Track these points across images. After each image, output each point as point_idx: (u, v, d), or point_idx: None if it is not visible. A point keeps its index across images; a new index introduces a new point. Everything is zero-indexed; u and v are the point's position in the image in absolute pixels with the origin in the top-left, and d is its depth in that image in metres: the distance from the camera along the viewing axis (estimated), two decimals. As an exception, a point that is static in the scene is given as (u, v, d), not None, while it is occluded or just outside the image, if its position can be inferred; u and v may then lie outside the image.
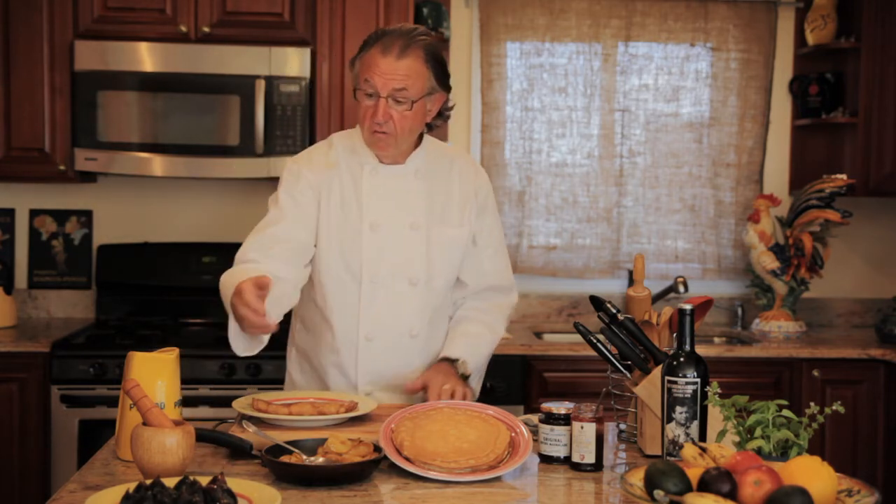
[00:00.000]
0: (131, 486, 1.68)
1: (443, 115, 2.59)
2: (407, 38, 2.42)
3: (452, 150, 2.71)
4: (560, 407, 2.16)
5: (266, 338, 2.34)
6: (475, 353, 2.61)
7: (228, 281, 2.29)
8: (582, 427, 2.09)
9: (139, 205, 4.41)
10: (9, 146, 4.02)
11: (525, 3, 4.47)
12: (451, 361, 2.55)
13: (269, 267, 2.37)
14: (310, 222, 2.51)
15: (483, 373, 2.74)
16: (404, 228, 2.55)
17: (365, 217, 2.53)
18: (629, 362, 2.30)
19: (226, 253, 4.29)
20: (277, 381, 3.52)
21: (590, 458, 2.09)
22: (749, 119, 4.55)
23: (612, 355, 2.32)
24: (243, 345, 2.35)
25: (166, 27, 4.04)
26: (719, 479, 1.63)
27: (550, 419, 2.16)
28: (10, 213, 4.39)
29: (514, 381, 3.85)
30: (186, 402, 2.31)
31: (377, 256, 2.53)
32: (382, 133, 2.45)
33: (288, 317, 2.57)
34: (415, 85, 2.43)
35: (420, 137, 2.60)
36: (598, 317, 2.32)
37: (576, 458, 2.11)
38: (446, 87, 2.53)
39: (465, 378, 2.55)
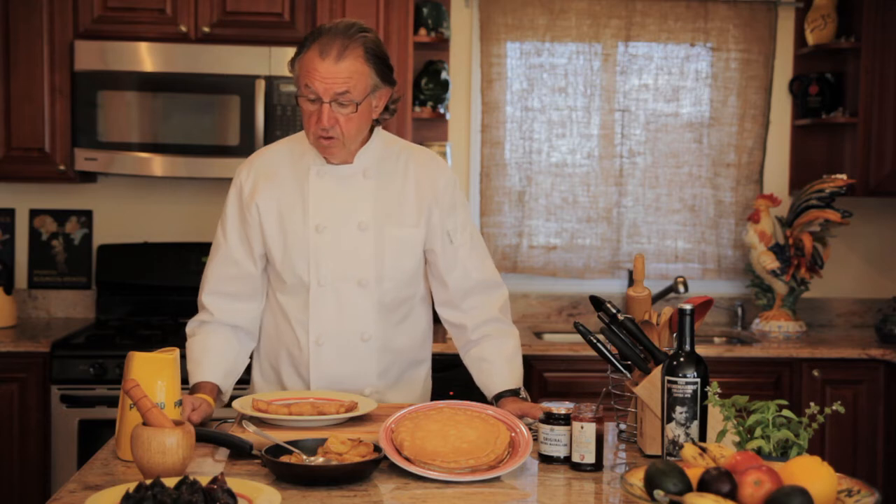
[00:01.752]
0: (131, 486, 1.69)
1: (389, 109, 2.49)
2: (344, 38, 2.33)
3: (408, 147, 2.59)
4: (560, 407, 2.16)
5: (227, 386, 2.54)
6: (519, 371, 2.57)
7: (194, 358, 2.51)
8: (582, 427, 2.09)
9: (139, 205, 4.41)
10: (9, 146, 4.02)
11: (525, 3, 4.47)
12: (514, 393, 2.50)
13: (228, 320, 2.54)
14: (256, 246, 2.53)
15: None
16: (352, 229, 2.48)
17: (311, 220, 2.47)
18: (629, 362, 2.30)
19: (226, 253, 4.31)
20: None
21: (590, 458, 2.09)
22: (749, 119, 4.55)
23: (612, 355, 2.31)
24: None
25: (166, 27, 4.04)
26: (719, 479, 1.63)
27: (550, 419, 2.16)
28: (10, 213, 4.39)
29: (514, 381, 3.84)
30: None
31: (323, 259, 2.47)
32: (329, 139, 2.39)
33: None
34: (357, 86, 2.34)
35: (371, 132, 2.52)
36: (598, 317, 2.31)
37: (576, 458, 2.11)
38: (390, 82, 2.44)
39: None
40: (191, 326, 2.58)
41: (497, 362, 2.54)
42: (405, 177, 2.53)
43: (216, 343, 2.52)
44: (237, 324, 2.56)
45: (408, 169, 2.54)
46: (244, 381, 3.15)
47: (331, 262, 2.48)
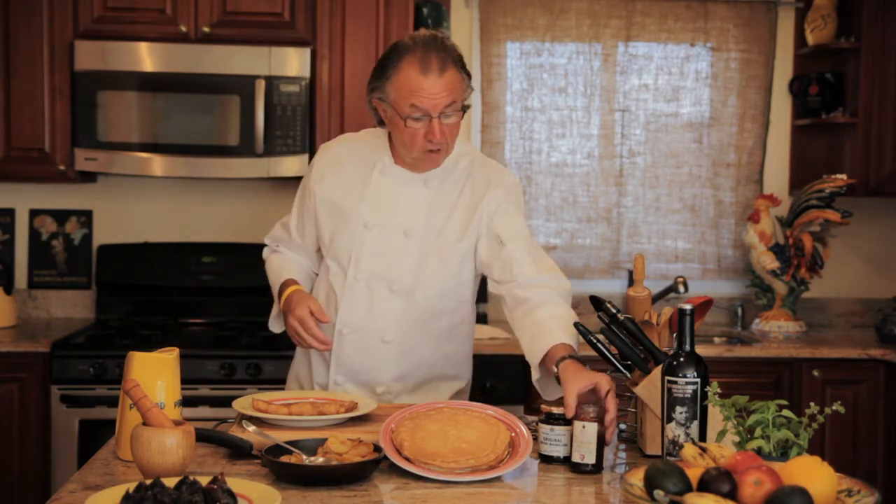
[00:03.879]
0: (131, 486, 1.68)
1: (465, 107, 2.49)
2: (438, 51, 2.36)
3: (475, 160, 2.57)
4: (560, 407, 2.16)
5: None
6: (575, 337, 2.38)
7: (276, 268, 2.69)
8: (584, 427, 2.09)
9: (139, 205, 4.41)
10: (9, 146, 4.02)
11: (525, 3, 4.47)
12: (571, 355, 2.27)
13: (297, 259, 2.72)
14: (308, 228, 2.66)
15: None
16: (397, 233, 2.51)
17: (362, 215, 2.52)
18: (629, 362, 2.30)
19: (226, 253, 4.31)
20: (277, 381, 3.53)
21: (590, 459, 2.09)
22: (749, 119, 4.55)
23: (612, 355, 2.31)
24: (277, 322, 2.68)
25: (166, 27, 4.04)
26: (719, 479, 1.63)
27: (550, 419, 2.16)
28: (10, 213, 4.39)
29: (514, 381, 3.84)
30: (186, 402, 2.31)
31: (364, 255, 2.52)
32: (437, 151, 2.42)
33: None
34: (460, 95, 2.40)
35: None
36: (598, 317, 2.31)
37: (576, 459, 2.10)
38: (470, 85, 2.47)
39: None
40: (265, 253, 2.79)
41: (549, 324, 2.35)
42: (462, 188, 2.53)
43: (291, 258, 2.71)
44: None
45: (467, 182, 2.54)
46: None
47: (370, 261, 2.52)
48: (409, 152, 2.45)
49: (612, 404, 2.13)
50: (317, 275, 2.70)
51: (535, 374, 2.36)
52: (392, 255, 2.51)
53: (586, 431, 2.08)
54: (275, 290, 2.65)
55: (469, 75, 2.46)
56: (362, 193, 2.53)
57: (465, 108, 2.44)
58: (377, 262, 2.52)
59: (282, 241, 2.73)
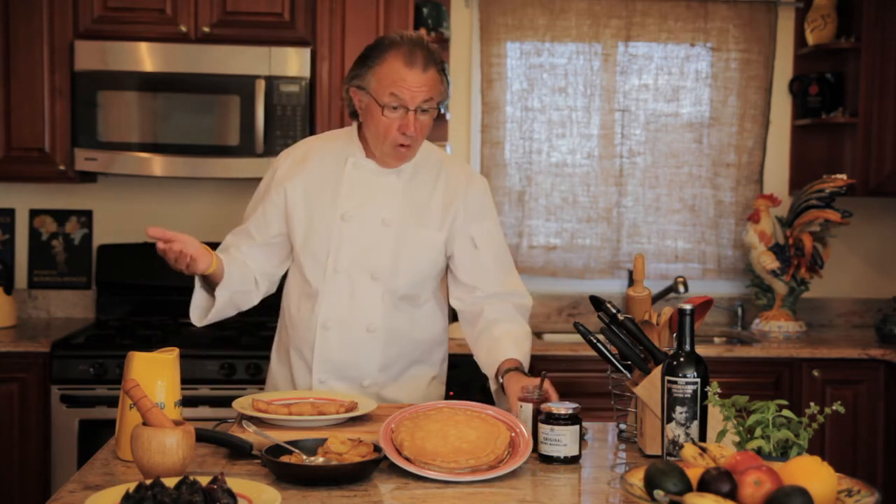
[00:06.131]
0: (131, 486, 1.69)
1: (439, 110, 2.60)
2: (423, 49, 2.45)
3: (444, 157, 2.68)
4: (560, 407, 2.16)
5: (221, 303, 2.52)
6: (528, 355, 2.57)
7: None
8: (521, 406, 2.23)
9: (139, 205, 4.41)
10: (9, 146, 4.02)
11: (525, 3, 4.47)
12: (517, 368, 2.46)
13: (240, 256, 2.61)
14: (274, 227, 2.61)
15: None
16: (375, 223, 2.55)
17: (339, 208, 2.55)
18: (629, 362, 2.30)
19: (226, 253, 4.31)
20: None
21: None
22: (749, 119, 4.55)
23: (612, 355, 2.32)
24: (198, 313, 2.55)
25: (166, 27, 4.04)
26: (719, 479, 1.63)
27: (550, 419, 2.16)
28: (10, 213, 4.39)
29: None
30: (186, 402, 2.31)
31: (344, 247, 2.55)
32: (407, 146, 2.49)
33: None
34: (437, 94, 2.47)
35: None
36: (598, 317, 2.32)
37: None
38: (448, 89, 2.55)
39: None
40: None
41: (505, 340, 2.53)
42: (436, 182, 2.60)
43: (234, 257, 2.59)
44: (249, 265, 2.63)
45: (440, 175, 2.61)
46: (247, 381, 3.18)
47: (350, 252, 2.55)
48: (380, 144, 2.51)
49: (551, 390, 2.32)
50: (257, 281, 2.64)
51: (493, 386, 2.54)
52: (372, 243, 2.55)
53: (523, 410, 2.25)
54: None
55: (448, 82, 2.53)
56: (336, 187, 2.57)
57: (440, 110, 2.52)
58: (357, 251, 2.55)
59: (230, 247, 2.64)
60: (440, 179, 2.61)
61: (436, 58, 2.48)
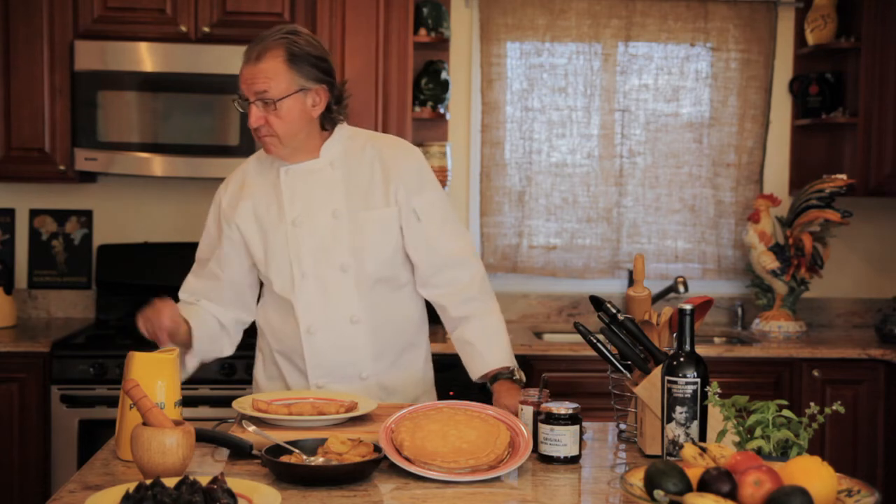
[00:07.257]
0: (131, 486, 1.69)
1: (340, 104, 2.56)
2: (267, 41, 2.45)
3: (373, 136, 2.67)
4: (560, 407, 2.16)
5: (190, 368, 2.60)
6: (507, 348, 2.62)
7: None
8: (521, 409, 2.24)
9: (139, 205, 4.41)
10: (9, 146, 4.02)
11: (525, 3, 4.47)
12: (506, 375, 2.55)
13: (209, 308, 2.65)
14: (237, 262, 2.65)
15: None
16: (326, 218, 2.55)
17: (287, 215, 2.56)
18: (629, 362, 2.30)
19: (226, 253, 4.31)
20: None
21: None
22: (749, 119, 4.55)
23: (612, 355, 2.32)
24: None
25: (166, 27, 4.04)
26: (719, 479, 1.63)
27: (550, 419, 2.16)
28: (10, 213, 4.39)
29: (514, 381, 3.84)
30: (186, 402, 2.31)
31: (303, 250, 2.55)
32: (266, 136, 2.49)
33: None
34: (277, 86, 2.43)
35: (333, 128, 2.59)
36: (598, 317, 2.32)
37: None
38: (324, 81, 2.50)
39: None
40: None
41: (479, 344, 2.59)
42: (372, 163, 2.60)
43: (200, 315, 2.62)
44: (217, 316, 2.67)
45: (373, 155, 2.60)
46: (246, 381, 3.17)
47: (311, 253, 2.55)
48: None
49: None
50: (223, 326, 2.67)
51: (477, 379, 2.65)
52: (329, 238, 2.55)
53: (524, 414, 2.26)
54: None
55: (315, 73, 2.47)
56: (279, 198, 2.58)
57: (322, 101, 2.49)
58: (318, 250, 2.55)
59: (198, 292, 2.67)
60: (374, 158, 2.59)
61: (286, 48, 2.43)
